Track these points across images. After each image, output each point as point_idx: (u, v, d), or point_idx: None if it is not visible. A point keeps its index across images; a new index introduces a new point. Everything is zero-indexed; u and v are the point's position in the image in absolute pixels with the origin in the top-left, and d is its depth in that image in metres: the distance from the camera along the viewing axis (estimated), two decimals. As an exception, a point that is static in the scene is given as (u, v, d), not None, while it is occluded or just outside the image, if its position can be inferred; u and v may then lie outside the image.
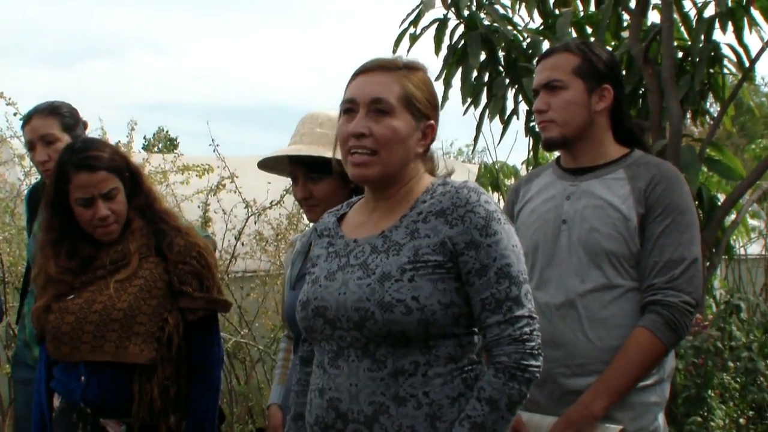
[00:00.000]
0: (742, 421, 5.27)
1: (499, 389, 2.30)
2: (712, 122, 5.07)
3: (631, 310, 2.99)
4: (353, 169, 2.44)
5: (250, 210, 6.90)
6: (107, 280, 3.21)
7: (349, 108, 2.45)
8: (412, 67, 2.50)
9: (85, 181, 3.19)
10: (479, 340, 2.43)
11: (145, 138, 33.60)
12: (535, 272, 3.11)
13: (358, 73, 2.49)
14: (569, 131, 3.11)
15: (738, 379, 5.23)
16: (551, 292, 3.07)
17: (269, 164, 3.40)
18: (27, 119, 4.08)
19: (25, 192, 5.31)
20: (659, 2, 4.80)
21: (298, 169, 3.22)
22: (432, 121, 2.49)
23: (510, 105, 5.30)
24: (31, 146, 4.08)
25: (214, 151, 7.04)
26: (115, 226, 3.25)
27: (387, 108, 2.41)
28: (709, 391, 4.95)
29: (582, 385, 2.96)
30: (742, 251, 8.25)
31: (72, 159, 3.23)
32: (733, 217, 5.29)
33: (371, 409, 2.32)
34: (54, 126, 4.02)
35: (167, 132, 37.85)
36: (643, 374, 2.95)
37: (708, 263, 4.83)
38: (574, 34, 5.11)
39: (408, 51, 5.23)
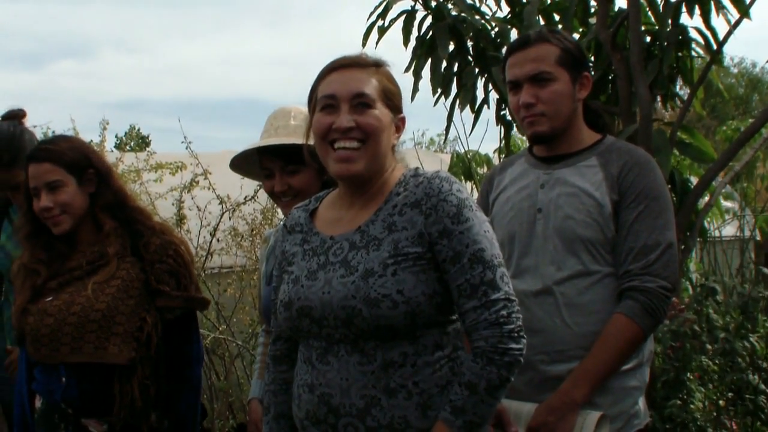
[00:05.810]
0: (721, 403, 5.29)
1: (477, 373, 2.33)
2: (682, 106, 5.08)
3: (608, 295, 3.00)
4: (338, 165, 2.46)
5: (224, 206, 6.89)
6: (85, 281, 3.20)
7: (329, 104, 2.46)
8: (380, 63, 2.55)
9: (32, 172, 3.24)
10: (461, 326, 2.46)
11: (117, 137, 33.48)
12: (512, 262, 3.11)
13: (330, 70, 2.51)
14: (559, 123, 3.08)
15: (716, 361, 5.25)
16: (528, 280, 3.06)
17: (241, 165, 3.40)
18: None
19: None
20: (626, -12, 4.81)
21: (274, 163, 3.21)
22: (403, 114, 2.55)
23: (480, 94, 5.31)
24: None
25: (186, 148, 7.04)
26: (62, 217, 3.24)
27: (369, 101, 2.45)
28: (688, 374, 4.98)
29: (561, 371, 2.97)
30: (717, 233, 8.28)
31: (30, 152, 3.30)
32: (706, 199, 5.31)
33: (363, 402, 2.35)
34: None
35: (139, 130, 37.77)
36: (622, 360, 2.96)
37: (683, 246, 4.84)
38: (542, 22, 5.11)
39: (376, 43, 5.24)
